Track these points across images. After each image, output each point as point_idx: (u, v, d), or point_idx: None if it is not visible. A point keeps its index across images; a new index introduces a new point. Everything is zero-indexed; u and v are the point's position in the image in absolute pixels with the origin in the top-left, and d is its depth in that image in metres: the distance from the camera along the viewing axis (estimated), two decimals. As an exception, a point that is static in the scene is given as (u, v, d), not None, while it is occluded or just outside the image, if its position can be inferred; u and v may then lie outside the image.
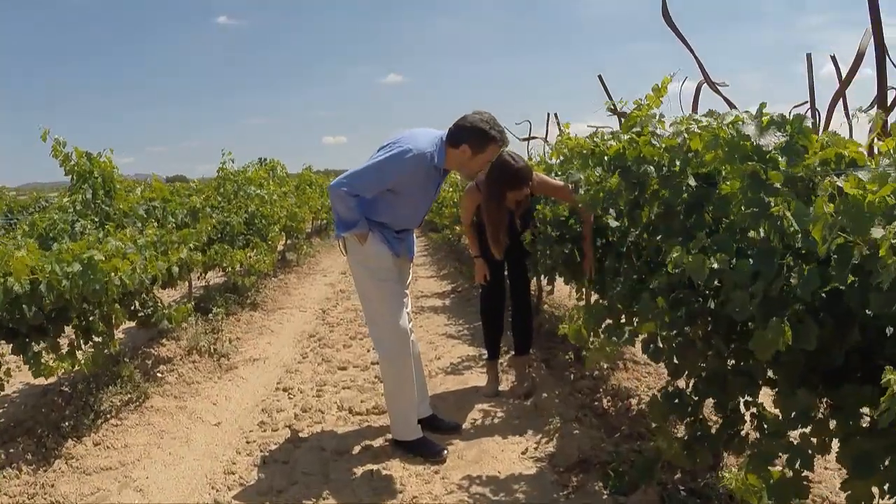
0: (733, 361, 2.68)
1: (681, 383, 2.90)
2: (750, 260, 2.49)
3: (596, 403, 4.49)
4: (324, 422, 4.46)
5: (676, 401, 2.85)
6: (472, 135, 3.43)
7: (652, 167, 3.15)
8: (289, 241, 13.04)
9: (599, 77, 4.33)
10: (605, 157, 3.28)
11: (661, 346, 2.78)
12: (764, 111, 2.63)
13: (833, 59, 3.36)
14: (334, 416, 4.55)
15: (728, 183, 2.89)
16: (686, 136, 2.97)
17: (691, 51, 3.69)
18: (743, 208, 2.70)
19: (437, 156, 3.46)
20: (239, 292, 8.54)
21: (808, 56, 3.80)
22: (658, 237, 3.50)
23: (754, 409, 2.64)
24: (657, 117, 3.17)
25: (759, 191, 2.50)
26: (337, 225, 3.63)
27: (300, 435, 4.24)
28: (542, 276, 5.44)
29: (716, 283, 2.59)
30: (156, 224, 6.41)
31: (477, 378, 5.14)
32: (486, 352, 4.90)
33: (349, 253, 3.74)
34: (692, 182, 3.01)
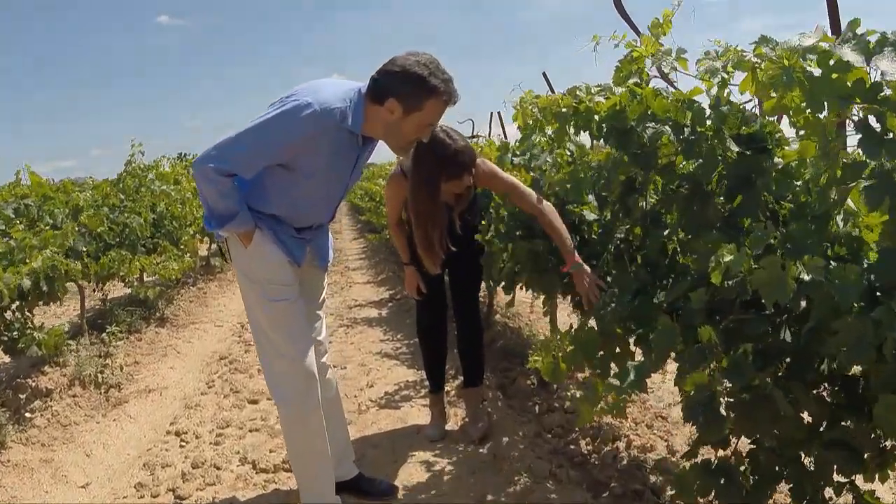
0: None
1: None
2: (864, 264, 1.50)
3: (572, 447, 3.50)
4: (219, 482, 3.38)
5: (723, 480, 1.86)
6: (404, 84, 2.33)
7: (667, 127, 2.15)
8: (213, 246, 11.77)
9: (544, 74, 4.11)
10: (596, 117, 2.28)
11: (721, 408, 1.74)
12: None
13: None
14: (233, 473, 3.46)
15: (796, 145, 1.91)
16: (724, 75, 1.98)
17: (639, 35, 2.88)
18: (820, 183, 1.74)
19: (351, 115, 2.37)
20: (147, 306, 7.33)
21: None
22: (664, 231, 2.54)
23: (852, 498, 1.67)
24: (673, 54, 2.17)
25: (877, 149, 1.51)
26: (207, 219, 2.52)
27: (183, 504, 3.16)
28: (497, 286, 4.17)
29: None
30: (21, 226, 5.21)
31: (418, 413, 4.09)
32: (426, 374, 3.86)
33: (232, 259, 2.66)
34: (734, 147, 2.03)
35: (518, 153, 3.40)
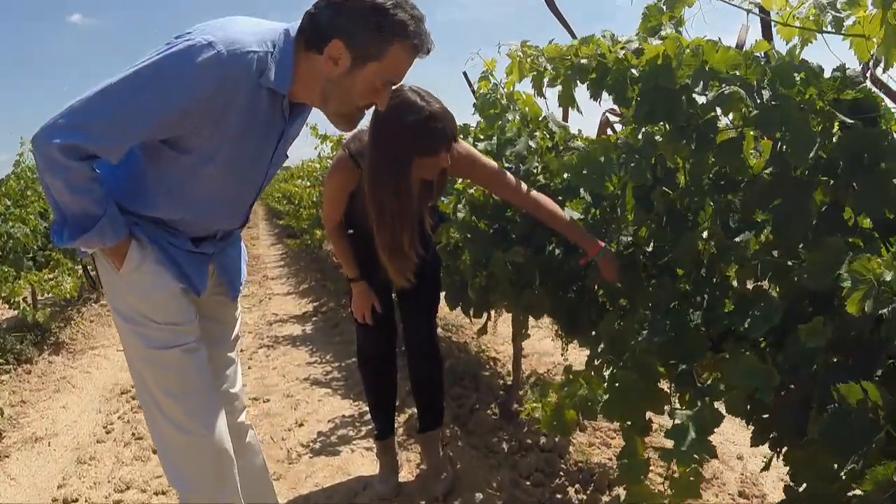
0: None
1: None
2: None
3: (559, 496, 2.85)
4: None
5: None
6: (356, 20, 1.57)
7: (737, 88, 1.50)
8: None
9: (464, 74, 3.68)
10: (633, 72, 1.62)
11: None
12: None
13: None
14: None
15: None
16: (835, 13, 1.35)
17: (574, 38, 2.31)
18: None
19: (275, 68, 1.61)
20: (38, 330, 6.32)
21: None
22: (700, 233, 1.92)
23: None
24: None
25: None
26: (56, 229, 1.69)
27: None
28: (459, 307, 3.14)
29: None
30: None
31: (362, 460, 3.36)
32: (371, 416, 3.13)
33: (103, 287, 1.87)
34: (842, 118, 1.40)
35: (483, 137, 2.71)
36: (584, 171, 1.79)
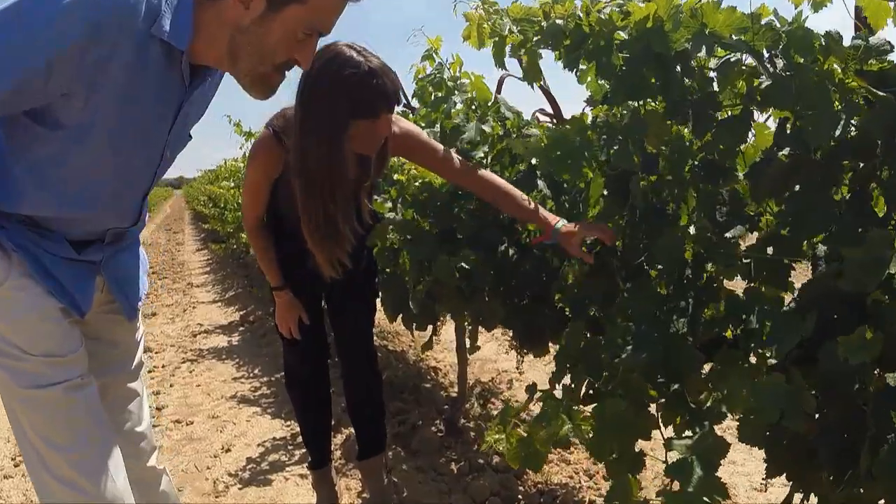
0: None
1: None
2: None
3: (519, 526, 2.56)
4: None
5: None
6: None
7: (745, 54, 1.23)
8: None
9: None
10: (621, 34, 1.34)
11: None
12: None
13: None
14: None
15: None
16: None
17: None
18: None
19: (169, 16, 1.25)
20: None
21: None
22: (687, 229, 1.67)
23: None
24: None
25: None
26: None
27: None
28: (400, 318, 2.70)
29: None
30: None
31: (297, 490, 3.01)
32: (304, 442, 2.79)
33: None
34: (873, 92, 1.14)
35: (424, 125, 2.39)
36: (557, 154, 1.50)
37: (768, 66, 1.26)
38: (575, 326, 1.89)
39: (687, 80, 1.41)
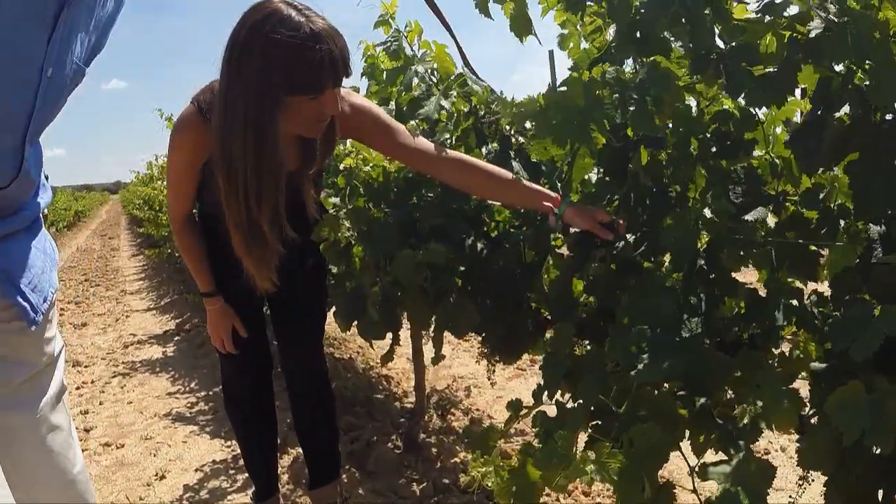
0: None
1: None
2: None
3: (492, 560, 2.24)
4: None
5: None
6: None
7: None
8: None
9: None
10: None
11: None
12: None
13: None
14: None
15: None
16: None
17: (452, 35, 2.04)
18: None
19: None
20: None
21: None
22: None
23: None
24: None
25: None
26: None
27: None
28: (352, 327, 2.26)
29: None
30: None
31: (239, 521, 2.65)
32: (246, 469, 2.44)
33: None
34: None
35: (376, 101, 2.06)
36: (556, 121, 1.19)
37: (820, 11, 0.97)
38: (562, 330, 1.59)
39: (718, 26, 1.12)
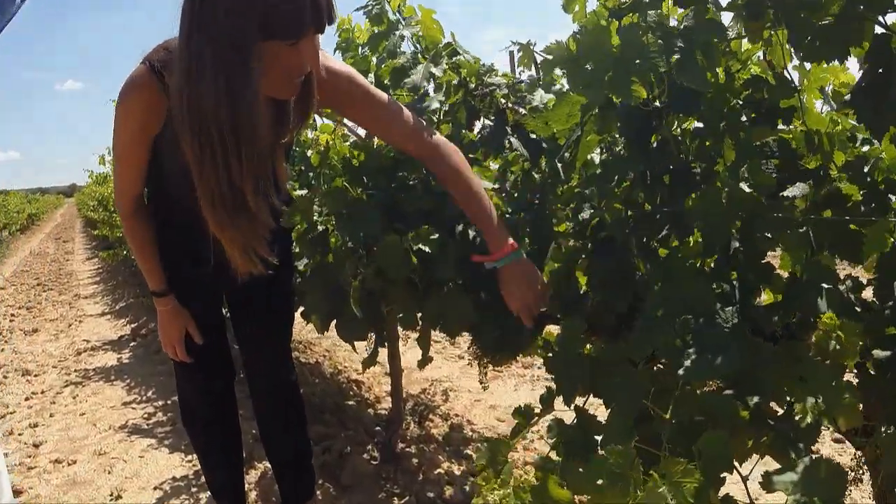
0: None
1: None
2: None
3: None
4: None
5: None
6: None
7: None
8: None
9: None
10: None
11: None
12: None
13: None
14: None
15: None
16: None
17: None
18: None
19: None
20: None
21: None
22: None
23: None
24: None
25: None
26: None
27: None
28: (327, 327, 2.01)
29: None
30: None
31: (202, 544, 2.41)
32: (209, 488, 2.20)
33: None
34: None
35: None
36: (592, 64, 0.99)
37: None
38: (571, 326, 1.39)
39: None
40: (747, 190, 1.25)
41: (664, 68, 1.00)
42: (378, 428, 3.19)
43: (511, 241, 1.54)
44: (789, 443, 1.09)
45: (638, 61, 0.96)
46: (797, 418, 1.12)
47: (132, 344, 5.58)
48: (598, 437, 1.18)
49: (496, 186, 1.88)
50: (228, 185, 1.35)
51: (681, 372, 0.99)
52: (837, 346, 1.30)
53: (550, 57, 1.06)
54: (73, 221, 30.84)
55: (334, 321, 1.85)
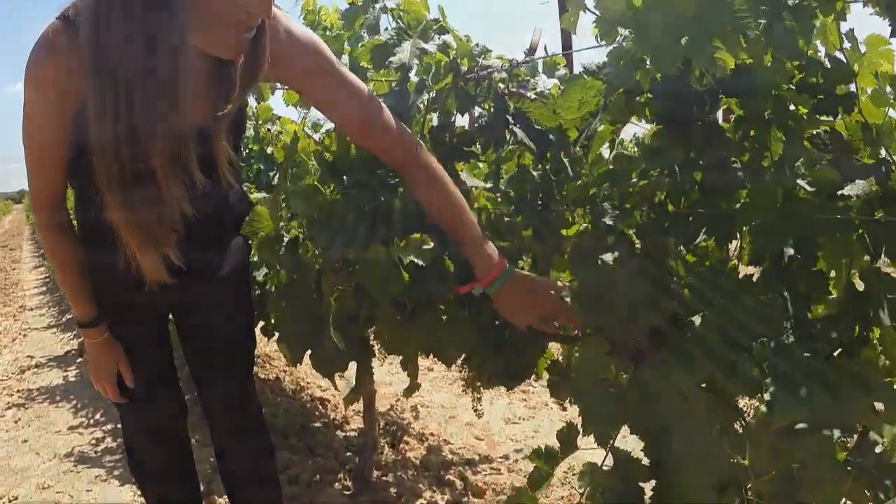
0: None
1: None
2: None
3: None
4: None
5: None
6: None
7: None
8: None
9: None
10: None
11: None
12: None
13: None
14: None
15: None
16: None
17: None
18: None
19: None
20: None
21: None
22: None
23: None
24: None
25: None
26: None
27: None
28: (301, 356, 1.69)
29: None
30: None
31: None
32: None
33: None
34: None
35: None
36: (662, 25, 0.78)
37: None
38: (593, 344, 1.18)
39: None
40: (808, 188, 1.06)
41: (755, 31, 0.79)
42: (349, 453, 2.94)
43: (498, 258, 1.33)
44: (875, 482, 0.89)
45: (724, 21, 0.76)
46: (877, 451, 0.94)
47: (79, 360, 5.23)
48: (643, 485, 0.97)
49: (489, 186, 1.67)
50: (130, 145, 1.06)
51: (764, 409, 0.79)
52: (887, 363, 1.13)
53: (607, 14, 0.85)
54: (22, 228, 29.86)
55: (308, 351, 1.59)
